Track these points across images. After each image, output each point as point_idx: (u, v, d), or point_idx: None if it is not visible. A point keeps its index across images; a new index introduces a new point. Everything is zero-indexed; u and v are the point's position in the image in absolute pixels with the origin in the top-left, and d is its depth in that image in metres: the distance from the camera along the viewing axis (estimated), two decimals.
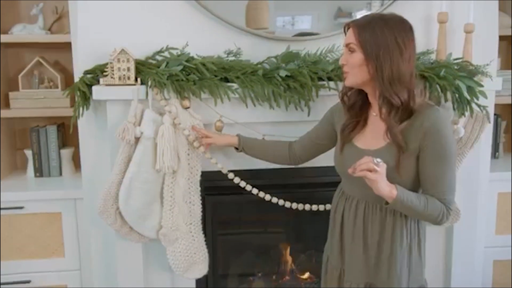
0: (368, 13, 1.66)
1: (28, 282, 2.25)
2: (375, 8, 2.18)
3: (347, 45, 1.52)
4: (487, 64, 2.09)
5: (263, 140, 1.95)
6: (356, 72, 1.50)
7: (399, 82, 1.45)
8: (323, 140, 1.81)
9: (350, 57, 1.50)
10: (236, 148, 1.95)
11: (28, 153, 2.47)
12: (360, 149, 1.58)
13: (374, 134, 1.57)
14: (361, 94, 1.59)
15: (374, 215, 1.57)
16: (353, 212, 1.62)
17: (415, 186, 1.54)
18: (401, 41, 1.45)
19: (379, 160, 1.42)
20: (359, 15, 2.22)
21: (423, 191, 1.53)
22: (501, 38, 2.35)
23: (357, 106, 1.61)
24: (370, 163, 1.40)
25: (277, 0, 2.21)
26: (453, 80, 1.97)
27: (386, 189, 1.43)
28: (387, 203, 1.47)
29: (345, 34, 1.55)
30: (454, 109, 2.02)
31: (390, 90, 1.45)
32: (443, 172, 1.49)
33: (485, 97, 2.03)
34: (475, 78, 2.03)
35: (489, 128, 2.23)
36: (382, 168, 1.42)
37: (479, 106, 2.04)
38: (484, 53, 2.17)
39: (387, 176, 1.46)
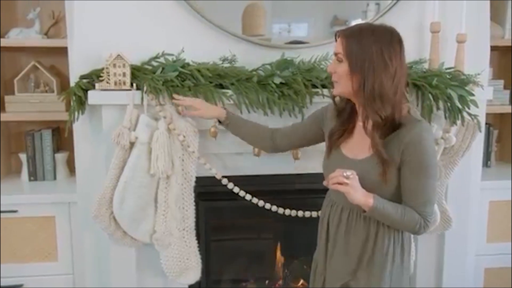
0: (359, 22, 1.67)
1: (21, 286, 2.24)
2: (370, 17, 2.21)
3: (335, 54, 1.52)
4: (479, 74, 2.12)
5: (248, 121, 1.93)
6: (343, 83, 1.51)
7: (380, 98, 1.44)
8: (307, 135, 1.80)
9: (338, 67, 1.51)
10: (219, 122, 1.92)
11: (23, 156, 2.47)
12: (346, 157, 1.59)
13: (360, 143, 1.57)
14: (350, 102, 1.60)
15: (357, 222, 1.58)
16: (337, 218, 1.63)
17: (397, 197, 1.53)
18: (387, 55, 1.44)
19: (349, 173, 1.44)
20: (354, 23, 2.26)
21: (403, 202, 1.53)
22: (493, 48, 2.38)
23: (345, 114, 1.62)
24: (340, 177, 1.43)
25: (273, 7, 2.23)
26: (445, 89, 2.00)
27: (362, 199, 1.46)
28: (365, 211, 1.49)
29: (336, 41, 1.55)
30: (445, 117, 2.05)
31: (371, 107, 1.45)
32: (422, 185, 1.49)
33: (477, 106, 2.06)
34: (467, 87, 2.06)
35: (480, 137, 2.26)
36: (353, 180, 1.44)
37: (470, 115, 2.07)
38: (476, 63, 2.20)
39: (369, 186, 1.48)
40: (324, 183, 1.48)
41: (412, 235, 1.66)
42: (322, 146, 1.74)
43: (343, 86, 1.52)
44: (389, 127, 1.49)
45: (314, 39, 2.21)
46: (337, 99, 1.66)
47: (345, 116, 1.63)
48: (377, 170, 1.50)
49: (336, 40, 1.54)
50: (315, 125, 1.78)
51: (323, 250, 1.70)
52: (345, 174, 1.44)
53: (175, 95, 1.91)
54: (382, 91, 1.44)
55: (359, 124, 1.58)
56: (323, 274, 1.70)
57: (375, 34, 1.46)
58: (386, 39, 1.46)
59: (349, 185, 1.44)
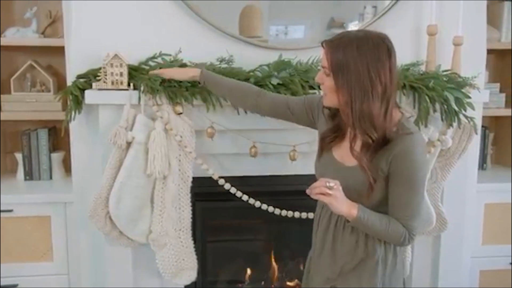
0: (346, 31, 1.61)
1: (16, 286, 2.23)
2: (368, 19, 2.21)
3: (322, 67, 1.46)
4: (475, 77, 2.13)
5: (230, 81, 1.86)
6: (330, 96, 1.47)
7: (369, 119, 1.38)
8: (295, 114, 1.74)
9: (325, 80, 1.45)
10: (199, 82, 1.88)
11: (19, 156, 2.46)
12: (336, 161, 1.55)
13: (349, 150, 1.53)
14: None
15: (346, 229, 1.55)
16: (327, 220, 1.60)
17: (383, 206, 1.50)
18: (375, 73, 1.36)
19: (332, 183, 1.39)
20: (351, 25, 2.26)
21: (390, 213, 1.49)
22: (490, 51, 2.39)
23: (338, 119, 1.57)
24: (323, 187, 1.39)
25: (270, 9, 2.24)
26: (441, 91, 2.01)
27: (345, 210, 1.43)
28: (348, 221, 1.47)
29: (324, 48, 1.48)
30: (442, 119, 2.06)
31: (361, 127, 1.40)
32: (409, 197, 1.45)
33: (473, 108, 2.07)
34: (463, 90, 2.06)
35: (476, 139, 2.26)
36: (336, 191, 1.40)
37: (466, 117, 2.08)
38: (472, 66, 2.21)
39: (355, 194, 1.45)
40: (307, 191, 1.41)
41: None
42: None
43: (331, 99, 1.47)
44: (380, 144, 1.43)
45: (311, 41, 2.21)
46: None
47: (337, 121, 1.58)
48: (364, 180, 1.46)
49: (323, 47, 1.46)
50: (308, 109, 1.71)
51: (313, 251, 1.69)
52: (328, 184, 1.39)
53: (153, 72, 1.90)
54: (371, 112, 1.37)
55: (349, 129, 1.53)
56: (313, 273, 1.70)
57: (360, 48, 1.37)
58: (372, 54, 1.37)
59: (332, 196, 1.39)
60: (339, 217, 1.56)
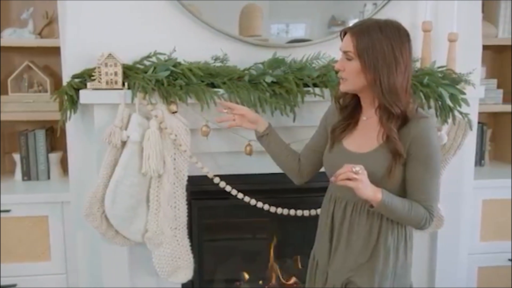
0: (365, 19, 1.68)
1: (14, 285, 2.24)
2: (367, 17, 2.20)
3: (344, 52, 1.53)
4: (470, 73, 2.12)
5: (285, 143, 1.89)
6: (353, 80, 1.53)
7: (396, 93, 1.48)
8: (322, 146, 1.75)
9: (347, 65, 1.52)
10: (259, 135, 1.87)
11: (16, 156, 2.47)
12: (348, 151, 1.60)
13: (363, 137, 1.59)
14: (355, 97, 1.62)
15: (361, 216, 1.58)
16: (342, 213, 1.62)
17: (402, 191, 1.55)
18: (398, 51, 1.48)
19: (358, 168, 1.44)
20: (352, 23, 2.25)
21: (408, 196, 1.55)
22: (486, 47, 2.39)
23: (349, 108, 1.64)
24: (349, 172, 1.43)
25: (271, 8, 2.23)
26: (436, 88, 2.01)
27: (370, 194, 1.46)
28: (372, 206, 1.50)
29: (342, 39, 1.56)
30: (436, 116, 2.05)
31: (390, 100, 1.48)
32: (428, 179, 1.52)
33: (468, 104, 2.06)
34: (458, 86, 2.06)
35: (473, 135, 2.26)
36: (362, 175, 1.44)
37: (461, 113, 2.07)
38: (468, 62, 2.21)
39: (375, 179, 1.48)
40: (332, 179, 1.47)
41: (413, 231, 1.67)
42: None
43: (354, 83, 1.54)
44: (400, 121, 1.51)
45: (312, 39, 2.20)
46: (340, 100, 1.67)
47: (348, 110, 1.65)
48: (382, 164, 1.52)
49: (341, 38, 1.55)
50: (322, 131, 1.76)
51: (326, 248, 1.69)
52: (354, 169, 1.43)
53: (222, 102, 1.89)
54: (396, 86, 1.48)
55: (363, 118, 1.61)
56: (326, 271, 1.70)
57: (383, 30, 1.48)
58: (395, 35, 1.49)
59: (358, 180, 1.43)
60: (354, 205, 1.60)
